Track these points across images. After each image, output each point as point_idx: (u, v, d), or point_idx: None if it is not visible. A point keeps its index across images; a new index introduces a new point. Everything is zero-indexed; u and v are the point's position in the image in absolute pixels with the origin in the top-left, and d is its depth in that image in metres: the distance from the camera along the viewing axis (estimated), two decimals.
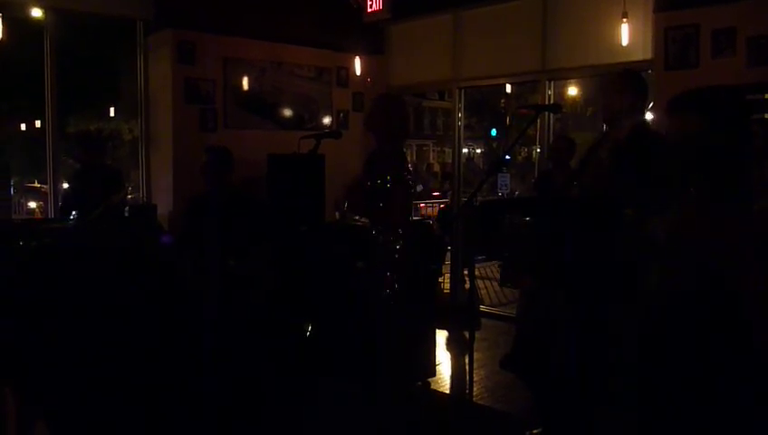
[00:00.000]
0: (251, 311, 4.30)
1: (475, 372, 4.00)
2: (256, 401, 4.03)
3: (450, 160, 9.40)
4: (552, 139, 6.09)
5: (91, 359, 4.06)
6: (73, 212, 5.20)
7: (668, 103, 2.02)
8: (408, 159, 4.21)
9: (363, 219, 5.51)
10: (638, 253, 2.32)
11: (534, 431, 3.56)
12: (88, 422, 3.56)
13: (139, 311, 4.41)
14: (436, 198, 14.79)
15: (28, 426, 2.99)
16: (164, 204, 6.11)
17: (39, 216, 13.12)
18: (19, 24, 6.02)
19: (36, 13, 5.83)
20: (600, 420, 2.96)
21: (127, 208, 5.50)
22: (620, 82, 3.03)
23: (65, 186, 5.86)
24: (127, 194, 5.93)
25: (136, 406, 3.76)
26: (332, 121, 7.30)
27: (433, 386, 4.56)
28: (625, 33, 5.39)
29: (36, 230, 5.04)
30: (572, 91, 14.46)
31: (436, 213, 11.56)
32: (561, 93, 9.56)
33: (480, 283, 8.58)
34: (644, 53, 5.40)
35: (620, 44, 5.43)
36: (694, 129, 1.97)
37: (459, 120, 7.11)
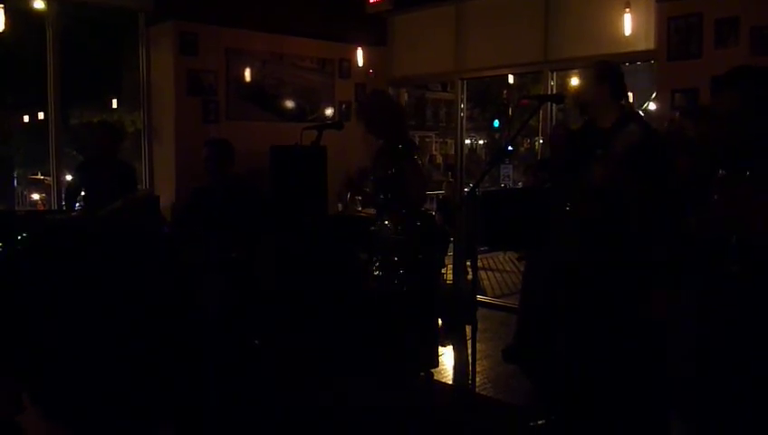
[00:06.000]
0: (251, 302, 4.31)
1: (477, 362, 4.00)
2: (258, 394, 4.04)
3: (453, 152, 9.39)
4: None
5: (91, 353, 4.07)
6: (77, 205, 5.18)
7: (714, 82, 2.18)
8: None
9: (366, 210, 5.51)
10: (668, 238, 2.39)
11: (538, 422, 3.56)
12: (88, 415, 3.57)
13: (140, 304, 4.42)
14: (438, 189, 14.79)
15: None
16: (166, 195, 6.11)
17: (42, 207, 13.14)
18: (21, 15, 6.02)
19: (38, 4, 5.81)
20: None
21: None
22: (598, 73, 3.18)
23: (68, 178, 5.80)
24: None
25: (140, 400, 3.78)
26: (334, 113, 7.29)
27: (436, 377, 4.56)
28: (628, 24, 5.37)
29: (39, 222, 5.05)
30: (575, 81, 14.40)
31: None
32: (563, 84, 9.53)
33: (482, 274, 8.60)
34: (647, 43, 5.38)
35: (623, 34, 5.42)
36: (733, 106, 2.07)
37: (462, 111, 7.10)
